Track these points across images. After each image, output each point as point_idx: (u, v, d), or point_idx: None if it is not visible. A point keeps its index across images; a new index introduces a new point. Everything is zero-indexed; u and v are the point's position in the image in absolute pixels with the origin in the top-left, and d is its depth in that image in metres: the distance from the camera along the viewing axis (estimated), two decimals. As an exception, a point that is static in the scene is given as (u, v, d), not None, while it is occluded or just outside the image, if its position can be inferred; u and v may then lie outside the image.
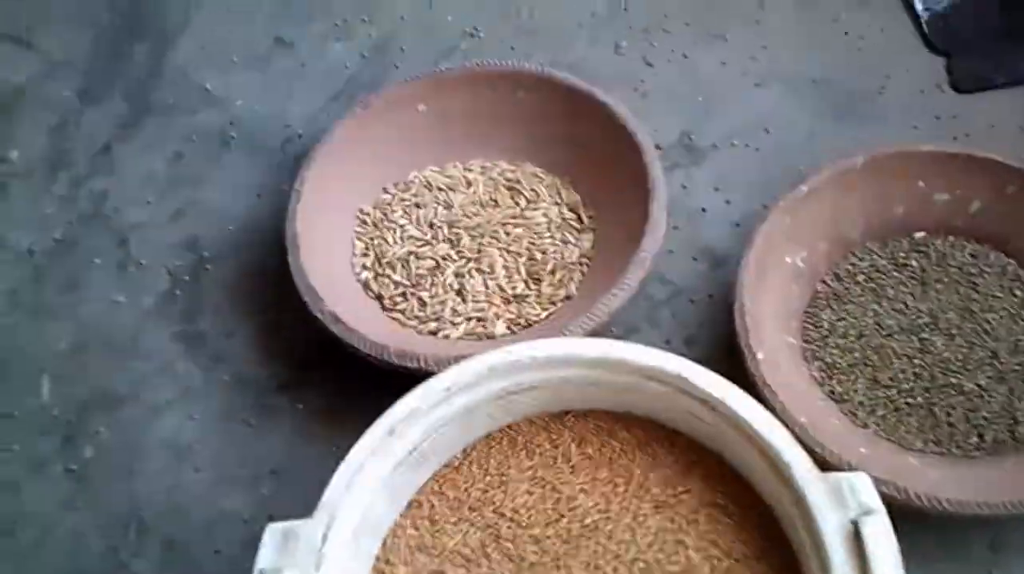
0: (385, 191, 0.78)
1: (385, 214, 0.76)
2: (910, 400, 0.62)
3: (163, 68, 0.91)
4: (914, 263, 0.68)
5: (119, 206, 0.83)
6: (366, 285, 0.74)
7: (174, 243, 0.80)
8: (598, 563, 0.52)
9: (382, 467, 0.53)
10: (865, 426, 0.62)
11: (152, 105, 0.89)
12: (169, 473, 0.69)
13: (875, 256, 0.69)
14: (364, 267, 0.74)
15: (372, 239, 0.75)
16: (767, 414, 0.52)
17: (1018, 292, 0.66)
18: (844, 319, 0.66)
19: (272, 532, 0.50)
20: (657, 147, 0.74)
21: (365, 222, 0.76)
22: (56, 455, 0.70)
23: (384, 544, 0.55)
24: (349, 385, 0.70)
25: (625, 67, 0.86)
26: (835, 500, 0.48)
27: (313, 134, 0.83)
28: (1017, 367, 0.63)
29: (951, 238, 0.69)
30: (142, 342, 0.75)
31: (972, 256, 0.68)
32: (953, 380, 0.63)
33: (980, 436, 0.61)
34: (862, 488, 0.48)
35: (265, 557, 0.50)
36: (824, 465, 0.54)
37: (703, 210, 0.77)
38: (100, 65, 0.92)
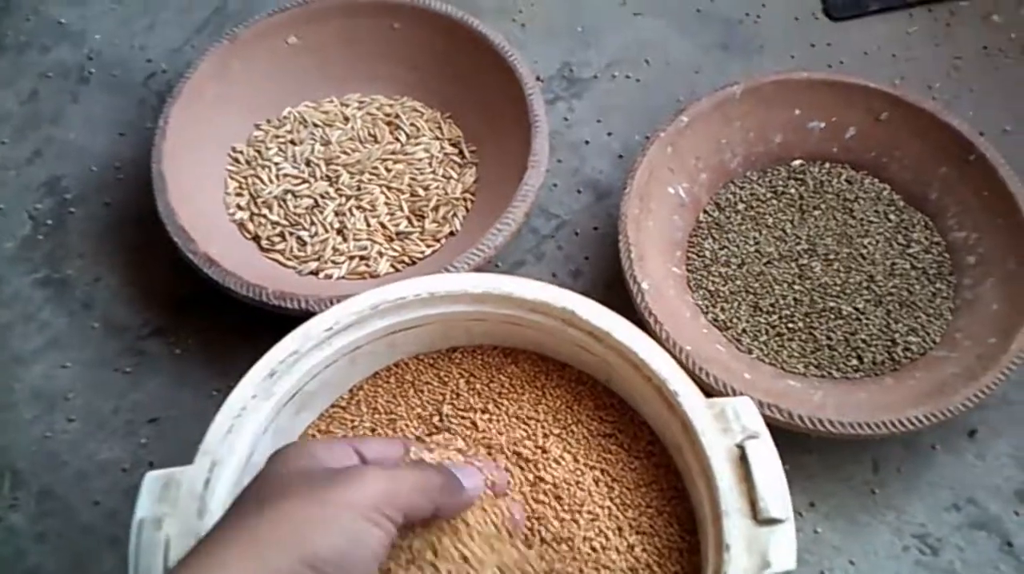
0: (258, 127, 0.75)
1: (259, 151, 0.74)
2: (791, 325, 0.63)
3: (11, 3, 0.86)
4: (792, 191, 0.69)
5: (-28, 147, 0.78)
6: (241, 225, 0.71)
7: (34, 185, 0.76)
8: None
9: (264, 409, 0.52)
10: (749, 351, 0.63)
11: (2, 43, 0.84)
12: (42, 423, 0.66)
13: (755, 184, 0.69)
14: (239, 207, 0.72)
15: (246, 178, 0.73)
16: (653, 344, 0.52)
17: (892, 217, 0.67)
18: (726, 247, 0.67)
19: (151, 480, 0.48)
20: (538, 79, 0.73)
21: (238, 160, 0.74)
22: (-84, 411, 0.66)
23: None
24: (227, 329, 0.68)
25: (504, -2, 0.85)
26: (720, 425, 0.49)
27: (178, 69, 0.80)
28: (893, 290, 0.64)
29: (827, 165, 0.70)
30: (4, 289, 0.71)
31: (848, 182, 0.69)
32: (832, 304, 0.64)
33: (859, 358, 0.62)
34: (745, 412, 0.49)
35: (144, 506, 0.48)
36: (709, 391, 0.54)
37: (586, 142, 0.76)
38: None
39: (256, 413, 0.51)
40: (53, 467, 0.64)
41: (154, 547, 0.46)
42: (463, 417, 0.54)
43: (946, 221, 0.66)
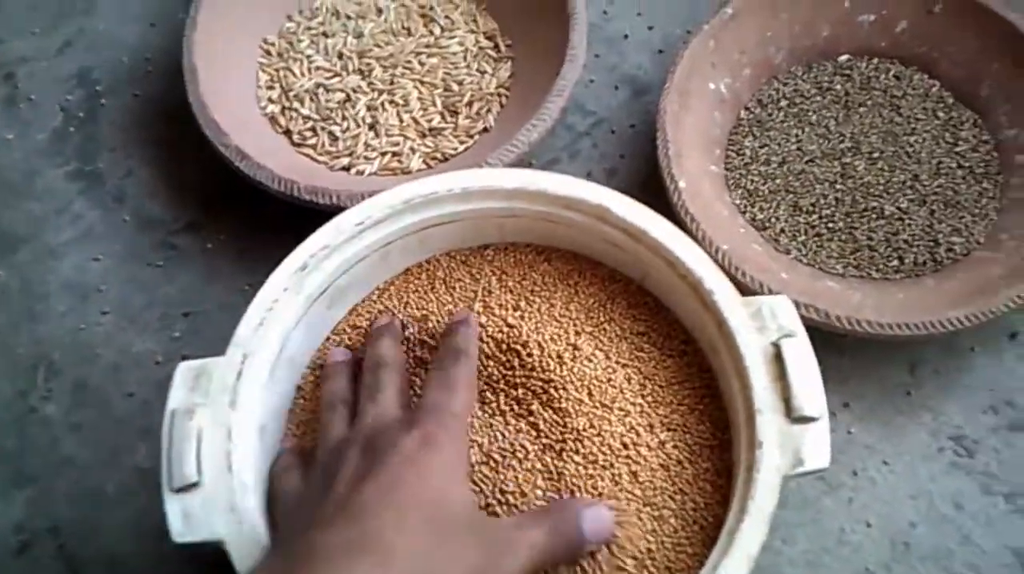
0: (289, 19, 0.74)
1: (291, 44, 0.72)
2: (831, 225, 0.62)
3: None
4: (838, 87, 0.67)
5: (3, 37, 0.77)
6: (273, 119, 0.70)
7: (65, 76, 0.75)
8: None
9: (296, 303, 0.52)
10: (787, 252, 0.62)
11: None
12: (75, 315, 0.66)
13: (799, 80, 0.67)
14: (270, 100, 0.71)
15: (277, 71, 0.71)
16: (689, 242, 0.51)
17: (940, 114, 0.65)
18: (767, 145, 0.65)
19: (183, 371, 0.49)
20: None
21: (269, 52, 0.72)
22: (-49, 301, 0.67)
23: (303, 378, 0.54)
24: (258, 224, 0.67)
25: None
26: (756, 323, 0.48)
27: (210, -42, 0.77)
28: (938, 190, 0.62)
29: (875, 60, 0.67)
30: (36, 182, 0.71)
31: (896, 78, 0.66)
32: (874, 204, 0.62)
33: (900, 258, 0.60)
34: (783, 311, 0.48)
35: (177, 397, 0.48)
36: (746, 291, 0.53)
37: (625, 36, 0.74)
38: None
39: (287, 307, 0.51)
40: (87, 359, 0.64)
41: (187, 437, 0.46)
42: (493, 315, 0.54)
43: (996, 119, 0.64)
